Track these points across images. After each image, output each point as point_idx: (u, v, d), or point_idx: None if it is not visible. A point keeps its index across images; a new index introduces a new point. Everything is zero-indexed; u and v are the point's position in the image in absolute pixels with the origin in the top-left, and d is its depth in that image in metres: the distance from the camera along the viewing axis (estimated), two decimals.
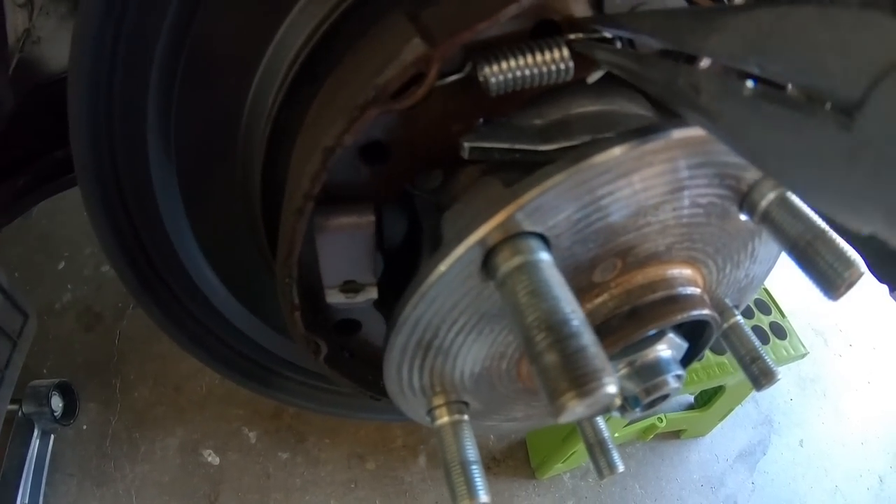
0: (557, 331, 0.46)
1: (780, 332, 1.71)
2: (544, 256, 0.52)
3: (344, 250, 0.66)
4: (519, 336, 0.49)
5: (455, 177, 0.66)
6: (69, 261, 2.08)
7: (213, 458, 1.72)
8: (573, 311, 0.47)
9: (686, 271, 0.66)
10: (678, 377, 0.68)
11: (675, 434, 1.93)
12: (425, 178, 0.68)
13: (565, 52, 0.55)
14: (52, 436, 1.80)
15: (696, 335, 0.72)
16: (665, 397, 0.69)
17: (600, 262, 0.60)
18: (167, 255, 0.93)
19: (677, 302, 0.65)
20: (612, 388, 0.43)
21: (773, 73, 0.33)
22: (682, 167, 0.56)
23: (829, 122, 0.28)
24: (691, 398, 1.94)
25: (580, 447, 1.67)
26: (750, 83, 0.35)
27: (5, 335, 1.53)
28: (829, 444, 2.00)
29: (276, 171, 0.80)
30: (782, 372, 1.75)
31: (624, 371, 0.68)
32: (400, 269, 0.73)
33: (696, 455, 1.92)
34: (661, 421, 1.71)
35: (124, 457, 1.74)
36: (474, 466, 0.63)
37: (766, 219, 0.59)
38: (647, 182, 0.55)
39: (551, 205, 0.53)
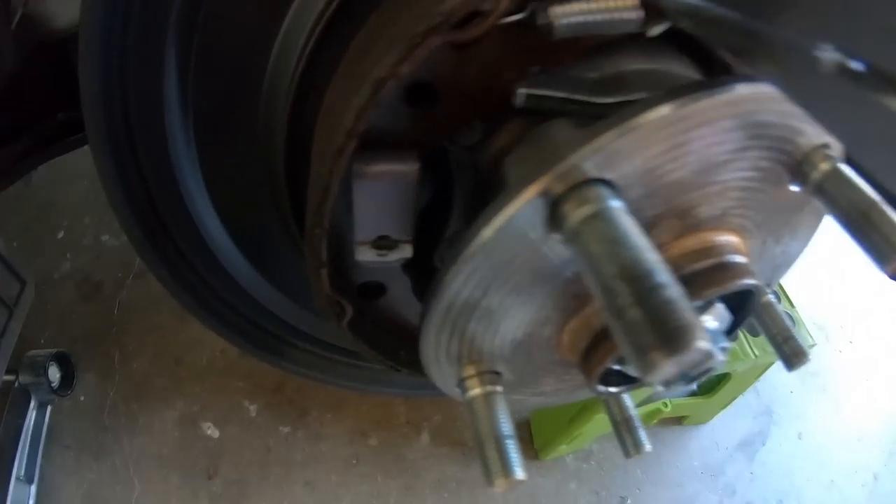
0: (643, 282, 0.42)
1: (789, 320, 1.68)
2: (619, 204, 0.48)
3: (382, 201, 0.63)
4: (597, 289, 0.45)
5: (499, 131, 0.63)
6: (68, 230, 2.04)
7: (212, 431, 1.69)
8: (657, 261, 0.44)
9: (735, 239, 0.64)
10: (724, 349, 0.65)
11: (678, 420, 1.91)
12: (465, 133, 0.64)
13: None
14: (49, 407, 1.78)
15: (736, 308, 0.69)
16: (709, 370, 0.66)
17: (661, 221, 0.57)
18: (179, 216, 0.90)
19: (728, 270, 0.61)
20: (704, 345, 0.40)
21: (849, 53, 0.30)
22: (752, 124, 0.53)
23: None
24: (694, 385, 1.92)
25: (585, 429, 1.65)
26: (827, 57, 0.32)
27: (1, 302, 1.50)
28: (827, 439, 1.99)
29: (303, 124, 0.76)
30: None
31: None
32: (425, 232, 0.70)
33: (697, 442, 1.91)
34: (666, 406, 1.69)
35: (122, 429, 1.71)
36: (509, 441, 0.59)
37: (819, 189, 0.57)
38: (720, 136, 0.53)
39: (628, 150, 0.49)
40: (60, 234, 2.03)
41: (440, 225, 0.69)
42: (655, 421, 1.77)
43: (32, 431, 1.74)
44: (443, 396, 1.39)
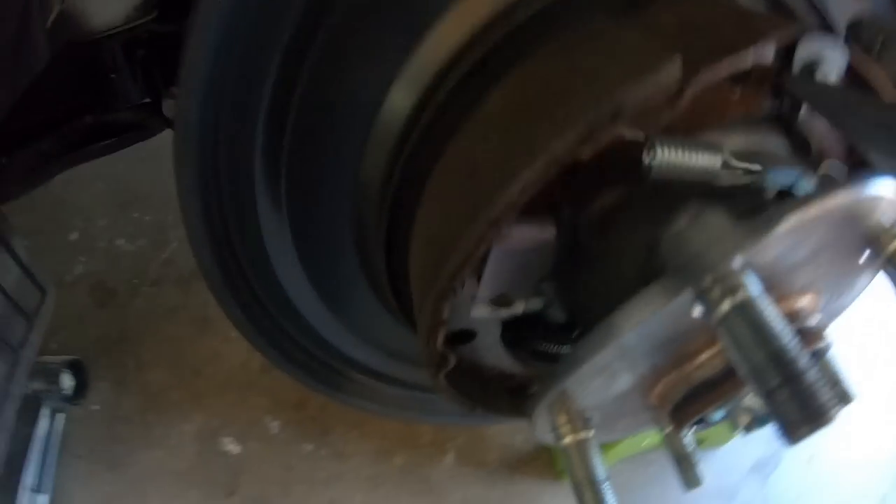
0: (790, 368, 0.48)
1: None
2: (760, 290, 0.49)
3: (515, 264, 0.62)
4: (746, 370, 0.51)
5: (604, 190, 0.61)
6: (83, 232, 1.98)
7: (233, 447, 1.65)
8: (798, 347, 0.49)
9: (812, 301, 0.66)
10: None
11: (696, 443, 1.90)
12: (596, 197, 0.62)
13: None
14: (63, 416, 1.73)
15: None
16: None
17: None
18: (261, 267, 0.88)
19: (808, 336, 0.64)
20: (838, 415, 0.49)
21: None
22: (862, 216, 0.57)
23: None
24: None
25: (609, 453, 1.63)
26: None
27: (21, 312, 1.45)
28: (836, 463, 1.99)
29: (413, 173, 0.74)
30: None
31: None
32: None
33: (713, 465, 1.90)
34: None
35: (138, 441, 1.67)
36: (605, 485, 0.63)
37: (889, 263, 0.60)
38: (838, 226, 0.56)
39: (776, 242, 0.51)
40: (74, 236, 1.98)
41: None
42: None
43: (47, 441, 1.69)
44: (489, 424, 1.36)
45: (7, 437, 1.42)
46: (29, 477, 1.64)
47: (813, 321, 0.66)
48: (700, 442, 1.92)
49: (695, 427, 0.74)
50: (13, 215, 1.90)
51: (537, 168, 0.51)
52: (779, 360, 0.48)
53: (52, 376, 1.69)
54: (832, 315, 0.78)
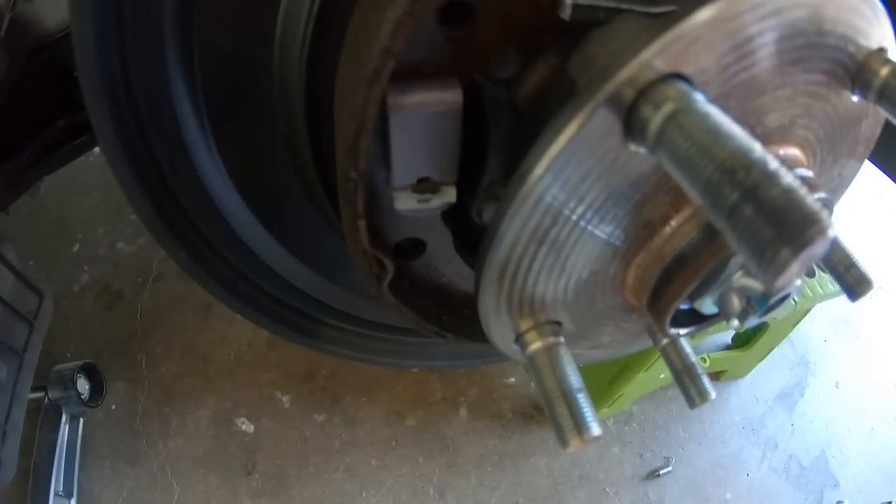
0: (752, 172, 0.37)
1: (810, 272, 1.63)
2: (703, 97, 0.43)
3: (422, 137, 0.56)
4: (698, 192, 0.40)
5: (537, 62, 0.57)
6: (83, 242, 2.02)
7: (247, 426, 1.66)
8: (759, 148, 0.38)
9: (800, 154, 0.58)
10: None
11: (716, 376, 1.88)
12: (501, 64, 0.58)
13: None
14: (82, 419, 1.76)
15: None
16: (787, 297, 0.60)
17: None
18: (192, 189, 0.85)
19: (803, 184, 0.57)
20: (832, 231, 0.35)
21: None
22: (821, 18, 0.49)
23: None
24: (728, 339, 1.90)
25: (626, 390, 1.60)
26: None
27: (21, 317, 1.48)
28: (864, 386, 1.96)
29: (322, 67, 0.71)
30: (816, 312, 1.70)
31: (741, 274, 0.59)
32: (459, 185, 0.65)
33: (737, 397, 1.88)
34: (705, 361, 1.66)
35: (156, 433, 1.69)
36: (580, 395, 0.52)
37: (881, 96, 0.53)
38: (789, 30, 0.48)
39: (706, 41, 0.44)
40: (76, 248, 2.02)
41: (475, 174, 0.63)
42: None
43: (67, 446, 1.72)
44: (481, 366, 1.35)
45: (17, 439, 1.45)
46: (55, 483, 1.67)
47: (804, 172, 0.56)
48: (719, 375, 1.89)
49: (687, 330, 0.65)
50: (12, 240, 1.96)
51: (401, 2, 0.48)
52: (734, 165, 0.37)
53: (67, 382, 1.72)
54: (842, 183, 0.69)
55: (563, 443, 0.50)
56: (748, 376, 1.90)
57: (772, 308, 0.60)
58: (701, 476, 1.74)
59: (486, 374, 1.76)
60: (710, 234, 0.54)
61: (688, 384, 0.67)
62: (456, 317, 0.77)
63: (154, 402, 1.72)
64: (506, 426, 1.70)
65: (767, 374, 1.91)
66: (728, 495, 1.73)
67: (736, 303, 0.58)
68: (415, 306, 0.72)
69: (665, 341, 0.68)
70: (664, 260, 0.57)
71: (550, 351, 0.56)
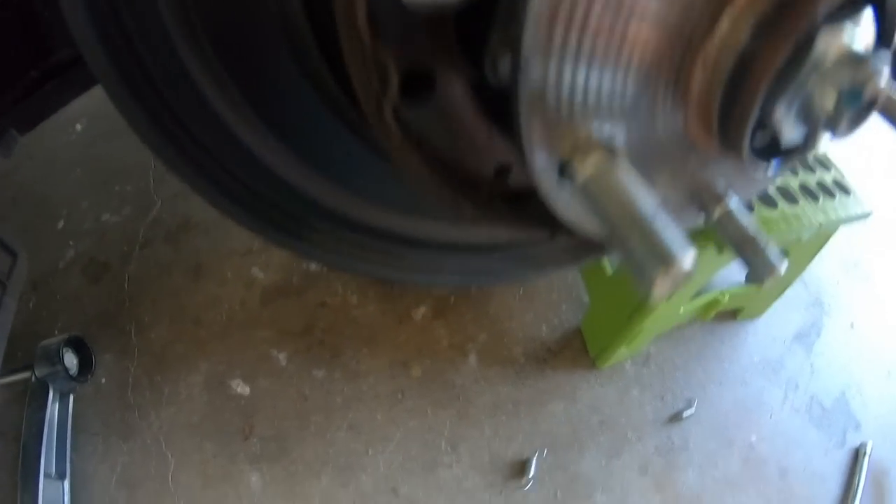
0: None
1: (844, 188, 1.53)
2: None
3: None
4: None
5: None
6: (67, 218, 1.93)
7: (242, 389, 1.56)
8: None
9: None
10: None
11: (732, 315, 1.82)
12: None
13: None
14: (72, 397, 1.66)
15: None
16: (873, 104, 0.49)
17: None
18: (176, 77, 0.75)
19: None
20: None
21: None
22: None
23: None
24: (743, 278, 1.80)
25: (645, 325, 1.49)
26: None
27: None
28: (878, 328, 1.92)
29: None
30: (826, 254, 1.66)
31: (833, 56, 0.48)
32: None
33: (754, 337, 1.81)
34: (724, 296, 1.58)
35: (148, 404, 1.58)
36: (658, 215, 0.41)
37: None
38: None
39: None
40: (60, 224, 1.93)
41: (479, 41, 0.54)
42: (712, 315, 1.65)
43: (58, 425, 1.62)
44: (496, 285, 1.23)
45: None
46: (46, 465, 1.58)
47: None
48: (735, 314, 1.81)
49: (770, 163, 0.57)
50: None
51: None
52: None
53: (54, 357, 1.63)
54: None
55: (646, 284, 0.40)
56: (764, 316, 1.84)
57: (863, 115, 0.49)
58: (724, 418, 1.64)
59: (495, 318, 1.65)
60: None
61: (753, 257, 0.57)
62: (478, 194, 0.65)
63: (144, 372, 1.62)
64: (519, 372, 1.59)
65: (783, 314, 1.86)
66: (753, 438, 1.62)
67: (826, 99, 0.47)
68: (423, 157, 0.61)
69: (719, 212, 0.58)
70: (735, 49, 0.47)
71: (608, 171, 0.45)
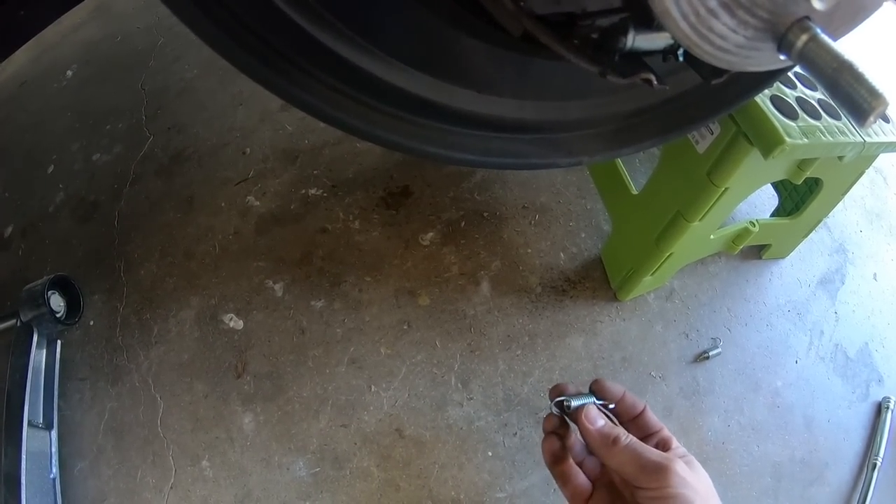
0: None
1: (884, 116, 1.39)
2: None
3: None
4: None
5: None
6: (57, 163, 1.84)
7: (235, 323, 1.43)
8: None
9: None
10: None
11: (756, 254, 1.70)
12: None
13: None
14: (59, 343, 1.55)
15: None
16: None
17: None
18: None
19: None
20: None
21: None
22: None
23: None
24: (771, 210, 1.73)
25: (675, 251, 1.35)
26: None
27: None
28: None
29: None
30: (848, 202, 1.66)
31: None
32: None
33: (779, 279, 1.68)
34: (754, 225, 1.45)
35: (137, 344, 1.47)
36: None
37: None
38: None
39: None
40: (50, 170, 1.83)
41: None
42: (739, 248, 1.52)
43: (46, 373, 1.51)
44: (519, 169, 1.06)
45: None
46: (32, 415, 1.46)
47: None
48: (761, 252, 1.67)
49: None
50: None
51: None
52: None
53: (39, 299, 1.51)
54: None
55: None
56: (789, 259, 1.73)
57: None
58: (750, 360, 1.49)
59: (509, 245, 1.51)
60: None
61: (851, 88, 0.52)
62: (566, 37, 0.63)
63: (133, 310, 1.51)
64: (535, 302, 1.44)
65: (808, 258, 1.74)
66: (779, 383, 1.47)
67: None
68: None
69: (804, 39, 0.53)
70: None
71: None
